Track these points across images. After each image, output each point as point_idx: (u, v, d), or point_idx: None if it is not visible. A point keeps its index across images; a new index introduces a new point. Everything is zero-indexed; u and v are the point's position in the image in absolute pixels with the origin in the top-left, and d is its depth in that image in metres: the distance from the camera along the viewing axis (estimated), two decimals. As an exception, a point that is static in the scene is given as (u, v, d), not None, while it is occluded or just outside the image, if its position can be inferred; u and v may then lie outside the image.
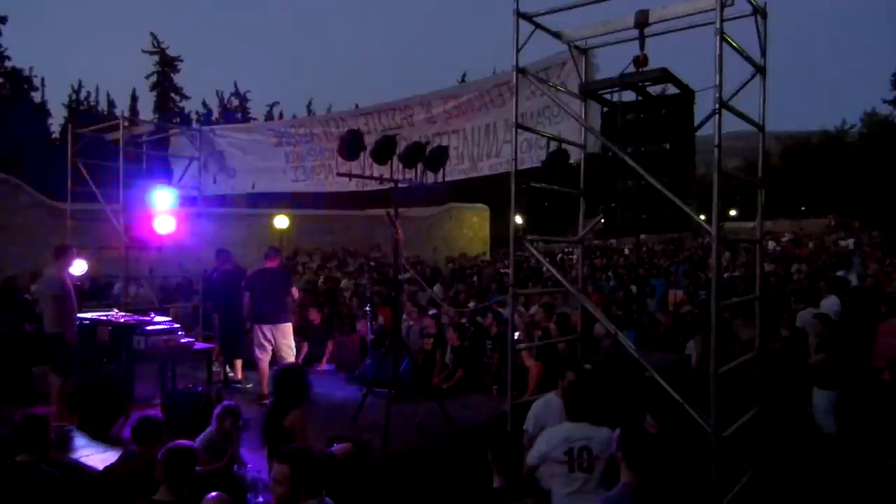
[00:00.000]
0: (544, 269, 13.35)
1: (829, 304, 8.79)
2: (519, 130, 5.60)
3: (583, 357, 6.18)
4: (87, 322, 6.95)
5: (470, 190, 29.23)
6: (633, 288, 12.60)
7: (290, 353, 7.82)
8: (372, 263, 20.78)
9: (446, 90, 7.88)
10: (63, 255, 6.82)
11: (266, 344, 7.71)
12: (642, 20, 5.07)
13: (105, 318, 6.99)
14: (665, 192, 4.50)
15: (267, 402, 7.06)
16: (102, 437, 5.94)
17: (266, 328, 7.67)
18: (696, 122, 4.96)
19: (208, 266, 9.53)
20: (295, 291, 8.10)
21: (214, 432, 4.99)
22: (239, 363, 8.48)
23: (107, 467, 4.32)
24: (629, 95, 5.14)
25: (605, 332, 7.86)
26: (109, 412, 6.14)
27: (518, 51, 5.39)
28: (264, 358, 7.72)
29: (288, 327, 7.84)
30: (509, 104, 6.71)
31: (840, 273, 12.64)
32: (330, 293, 13.28)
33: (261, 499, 4.57)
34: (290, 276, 8.57)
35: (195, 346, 7.27)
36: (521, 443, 4.15)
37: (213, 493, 3.27)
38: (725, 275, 13.27)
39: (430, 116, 7.72)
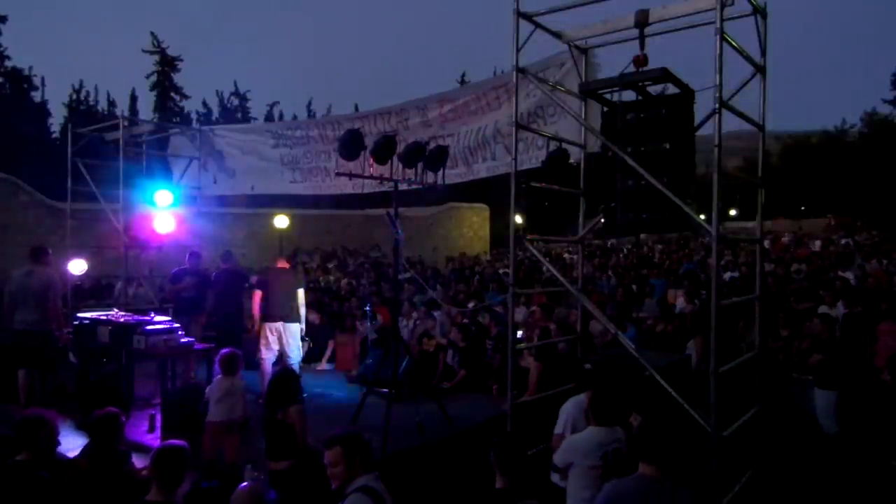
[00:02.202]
0: (544, 268, 13.35)
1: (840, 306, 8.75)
2: (511, 135, 5.60)
3: (583, 357, 6.18)
4: (87, 322, 6.95)
5: (470, 190, 29.22)
6: (633, 287, 12.60)
7: (297, 353, 7.81)
8: (372, 260, 20.77)
9: (443, 94, 7.84)
10: (46, 255, 6.99)
11: (273, 343, 7.71)
12: (642, 20, 5.07)
13: (105, 318, 6.99)
14: (665, 192, 4.50)
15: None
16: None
17: (276, 326, 7.68)
18: (696, 121, 4.95)
19: (209, 266, 9.52)
20: (302, 295, 8.06)
21: (222, 380, 5.49)
22: None
23: (73, 458, 4.36)
24: (629, 95, 5.15)
25: (598, 331, 7.87)
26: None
27: (518, 51, 5.39)
28: (268, 358, 7.70)
29: (297, 327, 7.84)
30: (506, 106, 6.73)
31: (840, 273, 12.63)
32: (334, 294, 13.31)
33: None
34: (301, 277, 8.55)
35: (195, 346, 7.27)
36: (523, 443, 4.13)
37: (245, 484, 3.30)
38: (727, 275, 13.26)
39: (426, 120, 7.70)
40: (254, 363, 8.19)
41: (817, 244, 24.96)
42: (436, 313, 9.99)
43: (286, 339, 7.68)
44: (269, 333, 7.66)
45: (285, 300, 7.71)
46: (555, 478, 4.30)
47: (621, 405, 3.99)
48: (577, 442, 3.96)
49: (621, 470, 3.63)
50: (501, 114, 6.89)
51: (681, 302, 10.76)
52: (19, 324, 6.71)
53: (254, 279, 8.57)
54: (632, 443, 3.24)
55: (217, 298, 8.47)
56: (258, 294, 7.82)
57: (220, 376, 5.56)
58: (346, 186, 8.60)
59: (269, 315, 7.72)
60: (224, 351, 5.73)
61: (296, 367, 7.50)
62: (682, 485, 2.99)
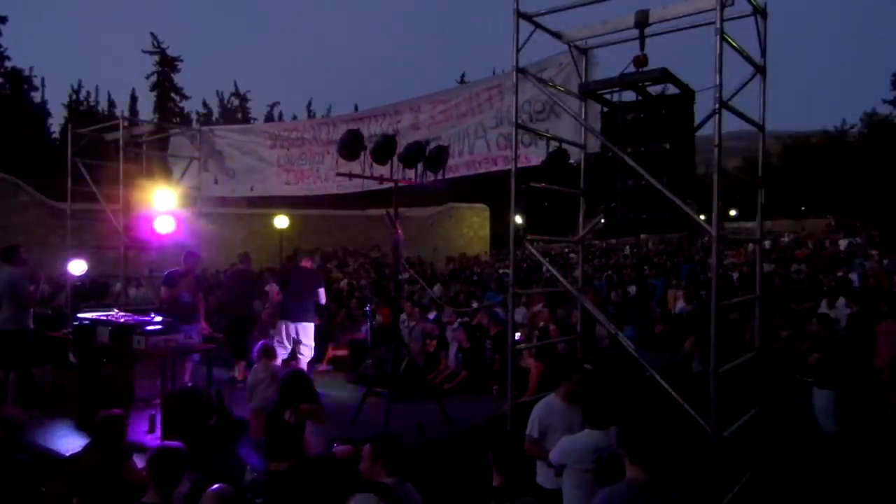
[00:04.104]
0: (544, 268, 13.35)
1: (841, 307, 8.76)
2: (496, 128, 5.60)
3: (583, 357, 6.18)
4: (87, 322, 6.95)
5: (470, 190, 29.26)
6: (633, 288, 12.61)
7: (308, 352, 7.84)
8: (371, 260, 20.78)
9: (438, 94, 7.76)
10: (17, 255, 7.27)
11: (286, 342, 7.75)
12: (642, 20, 5.07)
13: (105, 318, 6.99)
14: (665, 192, 4.50)
15: None
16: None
17: (291, 326, 7.71)
18: (696, 122, 4.96)
19: (208, 266, 9.49)
20: (322, 294, 8.05)
21: (262, 366, 6.09)
22: (242, 364, 8.41)
23: (72, 455, 4.38)
24: (629, 95, 5.15)
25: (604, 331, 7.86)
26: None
27: (518, 51, 5.39)
28: (281, 355, 7.72)
29: (311, 327, 7.86)
30: (497, 106, 6.73)
31: (839, 273, 12.65)
32: (337, 294, 13.30)
33: (261, 499, 4.57)
34: (323, 279, 8.56)
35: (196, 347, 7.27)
36: (521, 442, 4.14)
37: (216, 486, 3.29)
38: (735, 274, 13.28)
39: (416, 122, 7.67)
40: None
41: (844, 242, 24.45)
42: (432, 314, 9.99)
43: (299, 339, 7.73)
44: (283, 332, 7.71)
45: (305, 300, 7.75)
46: (540, 479, 4.31)
47: (613, 407, 4.00)
48: (571, 445, 3.96)
49: (617, 472, 3.63)
50: (490, 115, 6.89)
51: (680, 303, 10.76)
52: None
53: (270, 279, 8.62)
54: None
55: (225, 299, 8.47)
56: (275, 290, 7.90)
57: (257, 364, 6.22)
58: (333, 188, 8.69)
59: (286, 314, 7.76)
60: (260, 342, 6.49)
61: (304, 366, 7.56)
62: (668, 485, 3.01)
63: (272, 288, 8.00)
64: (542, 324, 8.31)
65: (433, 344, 8.66)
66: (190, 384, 6.84)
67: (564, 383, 4.50)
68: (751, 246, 13.97)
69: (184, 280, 7.83)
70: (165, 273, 8.01)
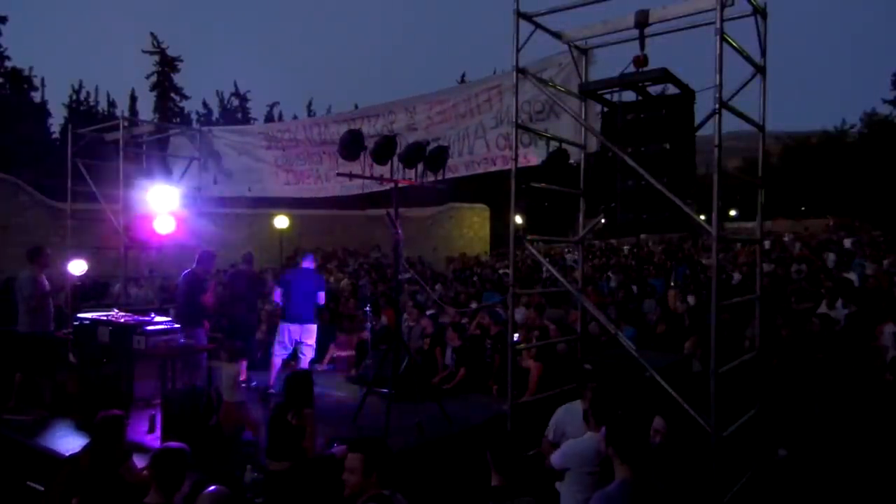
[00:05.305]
0: (544, 269, 13.35)
1: (839, 307, 8.74)
2: (496, 128, 5.61)
3: (583, 357, 6.18)
4: (87, 322, 6.95)
5: (470, 190, 29.23)
6: (634, 288, 12.59)
7: (309, 353, 7.86)
8: (371, 260, 20.78)
9: (433, 94, 7.65)
10: (39, 255, 7.14)
11: (288, 343, 7.76)
12: (642, 20, 5.07)
13: (105, 318, 6.99)
14: (665, 192, 4.50)
15: (273, 390, 7.17)
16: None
17: (294, 327, 7.71)
18: (696, 122, 4.96)
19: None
20: (322, 297, 8.07)
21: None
22: (244, 364, 8.39)
23: (72, 455, 4.38)
24: (629, 95, 5.15)
25: (598, 330, 7.85)
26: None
27: (518, 51, 5.40)
28: (280, 355, 7.78)
29: (313, 328, 7.87)
30: (496, 107, 6.73)
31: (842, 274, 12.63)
32: (334, 294, 13.30)
33: (261, 499, 4.57)
34: (322, 280, 8.57)
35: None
36: (519, 442, 4.14)
37: (212, 487, 3.29)
38: (737, 275, 13.26)
39: (412, 123, 7.59)
40: (265, 363, 8.20)
41: (849, 242, 24.38)
42: (428, 312, 10.00)
43: (302, 340, 7.74)
44: (286, 333, 7.72)
45: (306, 301, 7.75)
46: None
47: (622, 408, 3.99)
48: (576, 448, 3.95)
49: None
50: (489, 116, 6.88)
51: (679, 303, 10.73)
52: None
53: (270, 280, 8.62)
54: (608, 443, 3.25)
55: (226, 299, 8.47)
56: (278, 291, 7.93)
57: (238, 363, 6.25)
58: (336, 189, 8.66)
59: (287, 315, 7.76)
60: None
61: (305, 366, 7.56)
62: (655, 481, 3.04)
63: (277, 291, 7.98)
64: (538, 324, 8.31)
65: (428, 342, 8.66)
66: (196, 384, 6.84)
67: (584, 392, 4.44)
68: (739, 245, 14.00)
69: (210, 283, 7.87)
70: (186, 278, 7.83)
